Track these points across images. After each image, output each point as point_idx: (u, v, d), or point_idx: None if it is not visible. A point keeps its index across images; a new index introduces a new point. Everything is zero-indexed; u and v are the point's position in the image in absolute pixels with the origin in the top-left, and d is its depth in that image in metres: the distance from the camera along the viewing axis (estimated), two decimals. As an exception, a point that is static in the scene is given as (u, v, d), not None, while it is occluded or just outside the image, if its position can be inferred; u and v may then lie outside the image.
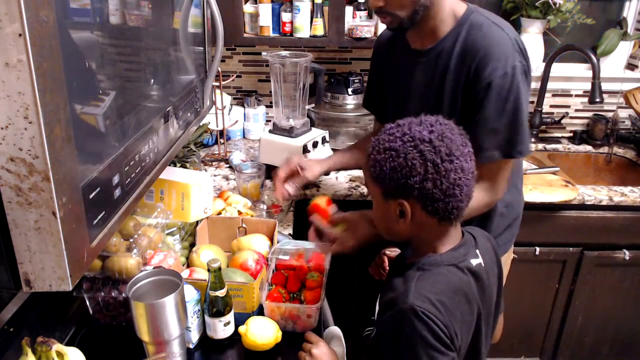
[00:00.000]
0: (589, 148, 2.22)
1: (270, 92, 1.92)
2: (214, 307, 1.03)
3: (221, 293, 1.02)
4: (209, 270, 1.01)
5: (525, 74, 1.07)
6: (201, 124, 1.56)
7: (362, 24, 1.90)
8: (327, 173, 1.53)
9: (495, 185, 1.15)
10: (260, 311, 1.14)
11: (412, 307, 0.77)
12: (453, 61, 1.11)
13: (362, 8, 1.95)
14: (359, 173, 1.84)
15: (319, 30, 1.91)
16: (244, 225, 1.34)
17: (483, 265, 0.88)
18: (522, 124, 1.09)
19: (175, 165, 1.50)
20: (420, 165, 0.78)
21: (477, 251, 0.89)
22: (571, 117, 2.29)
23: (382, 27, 1.92)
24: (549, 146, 2.21)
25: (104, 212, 0.67)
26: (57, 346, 0.86)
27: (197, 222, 1.32)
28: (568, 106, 2.27)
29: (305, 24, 1.91)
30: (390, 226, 0.87)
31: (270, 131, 1.81)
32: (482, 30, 1.08)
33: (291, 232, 1.50)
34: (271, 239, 1.31)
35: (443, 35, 1.13)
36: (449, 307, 0.79)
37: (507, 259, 1.42)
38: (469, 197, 0.82)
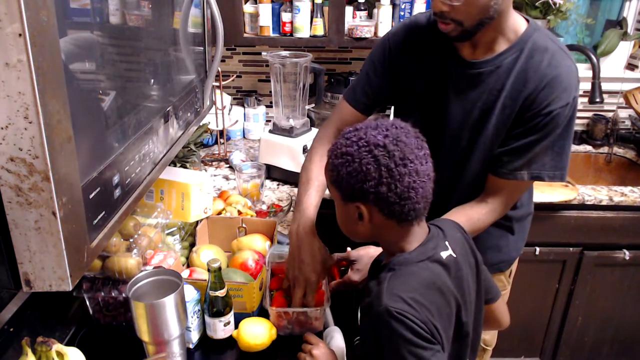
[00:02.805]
0: (589, 148, 2.22)
1: (270, 92, 1.92)
2: (214, 307, 1.03)
3: (221, 293, 1.02)
4: (209, 270, 1.01)
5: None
6: (201, 124, 1.55)
7: (362, 24, 1.90)
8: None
9: (508, 203, 1.15)
10: (260, 312, 1.14)
11: (387, 308, 0.77)
12: (511, 80, 1.06)
13: (362, 8, 1.95)
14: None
15: (319, 30, 1.91)
16: (244, 225, 1.34)
17: (454, 256, 0.88)
18: (567, 152, 1.09)
19: (175, 165, 1.50)
20: (375, 170, 0.79)
21: (447, 243, 0.89)
22: (571, 117, 2.30)
23: (382, 27, 1.92)
24: (549, 146, 2.21)
25: (104, 212, 0.67)
26: (57, 346, 0.86)
27: (197, 222, 1.32)
28: (568, 106, 2.28)
29: (305, 24, 1.91)
30: (352, 228, 0.89)
31: (270, 131, 1.81)
32: (548, 55, 1.04)
33: (291, 232, 1.49)
34: (271, 239, 1.31)
35: (501, 50, 1.06)
36: (423, 303, 0.79)
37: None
38: (426, 198, 0.83)
